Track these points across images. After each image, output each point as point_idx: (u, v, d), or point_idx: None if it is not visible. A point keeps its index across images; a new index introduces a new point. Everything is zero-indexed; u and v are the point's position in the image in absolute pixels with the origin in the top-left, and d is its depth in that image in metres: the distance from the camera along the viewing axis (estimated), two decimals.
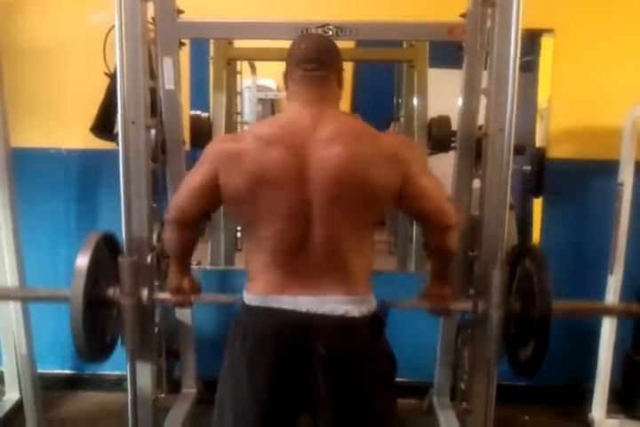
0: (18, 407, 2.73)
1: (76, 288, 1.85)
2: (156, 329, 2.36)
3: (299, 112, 1.63)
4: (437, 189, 1.69)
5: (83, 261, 1.89)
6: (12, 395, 2.81)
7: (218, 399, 1.69)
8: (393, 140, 1.64)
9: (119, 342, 2.09)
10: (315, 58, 1.64)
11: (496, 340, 1.96)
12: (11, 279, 2.59)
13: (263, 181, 1.53)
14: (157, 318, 2.35)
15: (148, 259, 2.17)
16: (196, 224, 1.78)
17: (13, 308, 2.61)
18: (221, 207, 1.79)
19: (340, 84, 1.71)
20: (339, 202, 1.55)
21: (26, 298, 2.51)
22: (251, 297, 1.63)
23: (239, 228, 3.18)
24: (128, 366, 2.17)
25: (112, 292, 2.00)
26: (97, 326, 2.00)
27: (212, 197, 1.64)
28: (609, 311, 2.55)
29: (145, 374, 2.24)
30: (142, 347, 2.12)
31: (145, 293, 2.05)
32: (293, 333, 1.56)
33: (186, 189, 1.69)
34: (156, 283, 2.27)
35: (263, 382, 1.57)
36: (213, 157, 1.63)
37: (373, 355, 1.64)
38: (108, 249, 2.03)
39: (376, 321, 1.64)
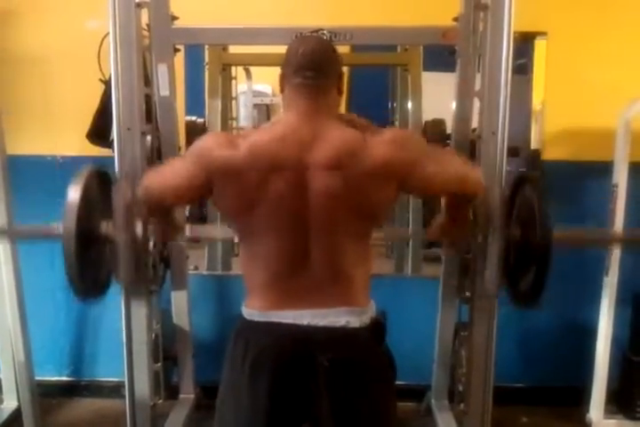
0: (16, 415, 2.72)
1: (69, 223, 1.78)
2: (155, 324, 2.35)
3: (296, 124, 1.55)
4: (448, 167, 1.63)
5: (74, 194, 1.81)
6: (10, 403, 2.80)
7: (218, 415, 1.66)
8: (388, 148, 1.53)
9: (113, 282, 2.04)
10: (313, 66, 1.56)
11: (496, 266, 1.91)
12: (7, 287, 2.59)
13: (260, 195, 1.49)
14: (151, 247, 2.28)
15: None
16: (165, 210, 1.76)
17: (11, 314, 2.61)
18: (218, 214, 1.78)
19: (339, 90, 1.64)
20: (335, 217, 1.52)
21: (16, 235, 2.43)
22: (250, 312, 1.60)
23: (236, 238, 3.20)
24: (126, 371, 2.17)
25: (105, 226, 1.92)
26: (90, 263, 1.92)
27: (193, 196, 1.61)
28: (612, 239, 2.49)
29: (143, 381, 2.24)
30: (136, 283, 2.06)
31: (138, 227, 1.96)
32: (295, 346, 1.54)
33: (169, 181, 1.61)
34: None
35: (265, 396, 1.55)
36: (208, 162, 1.52)
37: (376, 364, 1.62)
38: (100, 184, 1.95)
39: (377, 328, 1.62)
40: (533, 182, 1.92)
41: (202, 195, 1.59)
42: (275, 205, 1.50)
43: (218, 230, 2.98)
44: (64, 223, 1.79)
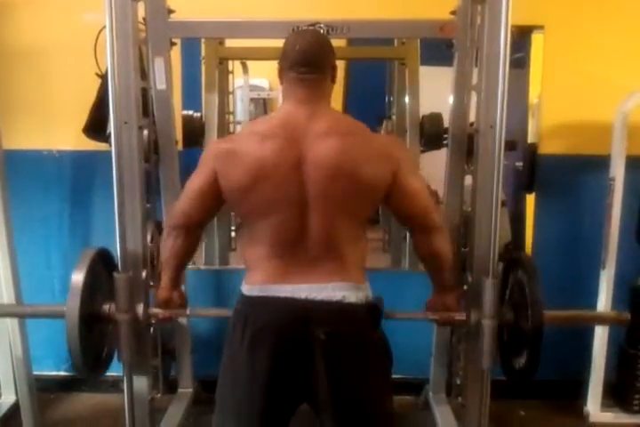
0: (14, 410, 2.72)
1: (72, 305, 1.86)
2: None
3: (293, 110, 1.67)
4: (425, 190, 1.74)
5: (78, 277, 1.89)
6: (8, 397, 2.81)
7: (219, 391, 1.70)
8: (385, 139, 1.75)
9: (115, 356, 2.09)
10: (309, 62, 1.66)
11: (489, 351, 1.97)
12: (4, 281, 2.59)
13: (260, 173, 1.58)
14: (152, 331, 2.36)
15: (143, 274, 2.17)
16: (201, 228, 1.82)
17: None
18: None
19: (333, 79, 1.75)
20: (333, 194, 1.60)
21: (22, 315, 2.51)
22: (249, 287, 1.66)
23: (233, 227, 3.20)
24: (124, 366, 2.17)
25: (107, 308, 2.01)
26: (93, 342, 2.01)
27: (214, 197, 1.68)
28: (600, 320, 2.57)
29: (141, 375, 2.24)
30: (138, 361, 2.13)
31: (140, 308, 2.05)
32: (293, 319, 1.59)
33: (188, 192, 1.72)
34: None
35: (263, 368, 1.59)
36: (211, 157, 1.67)
37: (371, 341, 1.67)
38: (102, 265, 2.04)
39: (374, 310, 1.66)
40: (525, 265, 1.99)
41: (222, 195, 1.67)
42: (274, 184, 1.59)
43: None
44: (68, 305, 1.87)
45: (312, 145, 1.60)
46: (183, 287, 2.00)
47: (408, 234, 3.04)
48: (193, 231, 1.79)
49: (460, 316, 2.02)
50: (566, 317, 2.13)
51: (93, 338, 2.01)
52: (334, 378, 1.59)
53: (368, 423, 1.67)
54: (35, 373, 2.74)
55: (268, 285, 1.63)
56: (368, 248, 1.76)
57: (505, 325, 1.99)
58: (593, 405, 2.84)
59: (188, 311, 2.04)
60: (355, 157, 1.60)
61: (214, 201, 1.70)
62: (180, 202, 1.75)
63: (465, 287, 2.21)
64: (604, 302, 2.72)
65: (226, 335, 1.69)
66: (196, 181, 1.70)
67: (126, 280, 1.98)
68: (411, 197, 1.69)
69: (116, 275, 1.98)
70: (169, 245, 1.80)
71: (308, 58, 1.66)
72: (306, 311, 1.59)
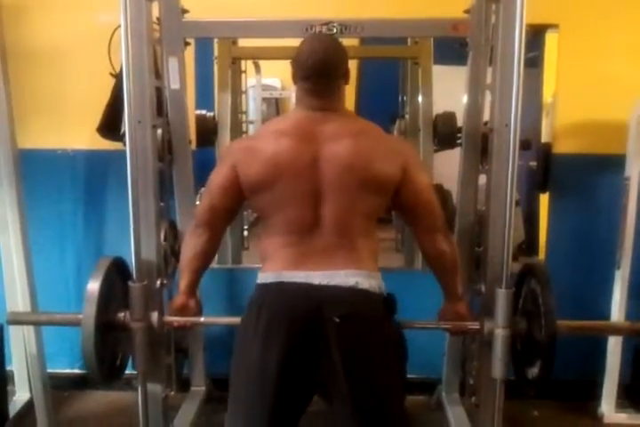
0: (28, 407, 2.74)
1: (88, 314, 1.90)
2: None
3: (306, 114, 1.74)
4: (431, 189, 1.81)
5: (94, 286, 1.93)
6: (22, 395, 2.83)
7: (232, 381, 1.72)
8: (394, 138, 1.78)
9: (130, 363, 2.12)
10: (321, 74, 1.70)
11: (502, 361, 1.96)
12: (20, 280, 2.60)
13: (277, 168, 1.66)
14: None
15: (158, 283, 2.19)
16: (225, 224, 1.88)
17: (22, 306, 2.61)
18: None
19: (346, 81, 1.79)
20: (346, 188, 1.67)
21: (38, 323, 2.54)
22: (264, 275, 1.70)
23: (246, 227, 3.20)
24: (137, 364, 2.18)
25: (122, 316, 2.03)
26: (108, 350, 2.04)
27: (235, 192, 1.74)
28: (615, 331, 2.55)
29: (154, 373, 2.25)
30: (153, 369, 2.15)
31: (155, 317, 2.06)
32: (307, 304, 1.62)
33: (211, 189, 1.79)
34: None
35: (277, 355, 1.60)
36: (230, 154, 1.77)
37: (385, 326, 1.69)
38: (117, 273, 2.07)
39: (388, 300, 1.70)
40: (539, 274, 2.00)
41: (242, 192, 1.73)
42: (293, 180, 1.66)
43: None
44: (84, 314, 1.91)
45: (325, 144, 1.68)
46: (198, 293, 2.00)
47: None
48: (217, 228, 1.85)
49: (473, 325, 2.03)
50: (579, 327, 2.12)
51: (108, 346, 2.04)
52: (350, 362, 1.60)
53: (384, 409, 1.66)
54: (49, 370, 2.76)
55: (282, 271, 1.67)
56: (379, 246, 1.81)
57: (518, 334, 1.99)
58: (607, 405, 2.82)
59: (202, 319, 2.07)
60: (366, 154, 1.69)
61: (236, 196, 1.76)
62: (204, 200, 1.82)
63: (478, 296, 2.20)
64: (618, 302, 2.71)
65: (239, 325, 1.72)
66: (217, 178, 1.77)
67: (141, 289, 1.99)
68: (419, 192, 1.76)
69: (130, 284, 1.99)
70: (191, 245, 1.84)
71: (320, 70, 1.70)
72: (319, 296, 1.62)
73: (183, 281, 1.92)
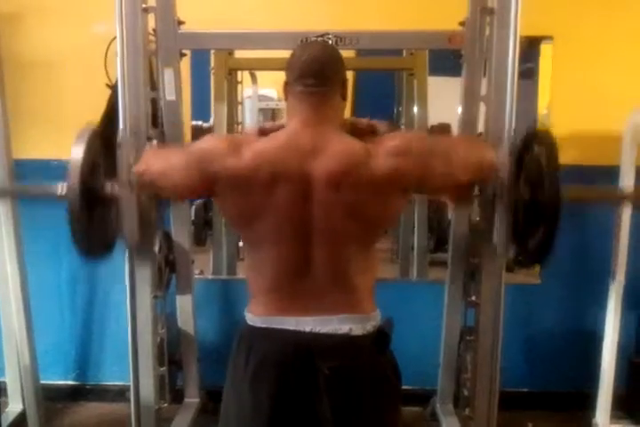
0: (21, 419, 2.72)
1: (72, 182, 1.78)
2: (160, 325, 2.37)
3: (298, 132, 1.54)
4: (458, 161, 1.61)
5: (77, 153, 1.79)
6: (15, 406, 2.80)
7: (222, 421, 1.66)
8: (392, 158, 1.50)
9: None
10: (316, 73, 1.54)
11: (505, 226, 1.89)
12: (13, 291, 2.59)
13: (264, 206, 1.49)
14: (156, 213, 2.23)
15: (147, 146, 2.09)
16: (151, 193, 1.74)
17: (16, 318, 2.61)
18: (222, 218, 1.78)
19: (344, 96, 1.62)
20: (339, 226, 1.51)
21: (19, 194, 2.44)
22: (253, 318, 1.60)
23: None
24: (131, 375, 2.17)
25: (109, 187, 1.90)
26: (96, 222, 1.90)
27: (190, 196, 1.66)
28: (620, 197, 2.41)
29: (148, 384, 2.24)
30: (142, 242, 2.06)
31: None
32: (297, 353, 1.53)
33: (169, 177, 1.61)
34: None
35: (266, 403, 1.54)
36: (209, 172, 1.52)
37: (377, 373, 1.60)
38: (102, 144, 1.93)
39: (381, 337, 1.59)
40: (544, 140, 1.84)
41: (199, 196, 1.59)
42: (278, 213, 1.50)
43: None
44: (68, 183, 1.78)
45: (317, 175, 1.48)
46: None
47: (415, 242, 3.09)
48: (145, 191, 1.72)
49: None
50: (583, 193, 2.01)
51: (96, 219, 1.90)
52: (339, 414, 1.54)
53: None
54: (42, 381, 2.74)
55: (271, 316, 1.56)
56: (377, 271, 1.67)
57: (520, 201, 1.87)
58: (602, 417, 2.80)
59: None
60: (361, 189, 1.49)
61: (192, 196, 1.66)
62: (160, 170, 1.64)
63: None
64: (612, 313, 2.70)
65: (230, 357, 1.64)
66: (184, 174, 1.56)
67: (130, 153, 1.89)
68: (446, 183, 1.62)
69: (118, 147, 1.90)
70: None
71: (315, 68, 1.54)
72: (310, 345, 1.53)
73: None
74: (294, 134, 1.54)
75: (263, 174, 1.48)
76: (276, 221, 1.50)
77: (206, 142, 1.60)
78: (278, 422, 1.56)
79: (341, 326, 1.54)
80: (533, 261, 1.96)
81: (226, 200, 1.55)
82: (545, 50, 2.87)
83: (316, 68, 1.54)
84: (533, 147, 1.84)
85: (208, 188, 1.53)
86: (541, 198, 1.77)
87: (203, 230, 2.92)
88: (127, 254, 2.08)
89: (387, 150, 1.50)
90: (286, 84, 1.60)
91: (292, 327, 1.54)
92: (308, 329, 1.53)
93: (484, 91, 2.20)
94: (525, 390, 3.01)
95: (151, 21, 2.20)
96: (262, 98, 3.41)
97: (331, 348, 1.53)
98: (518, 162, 1.87)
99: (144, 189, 1.70)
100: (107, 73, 2.45)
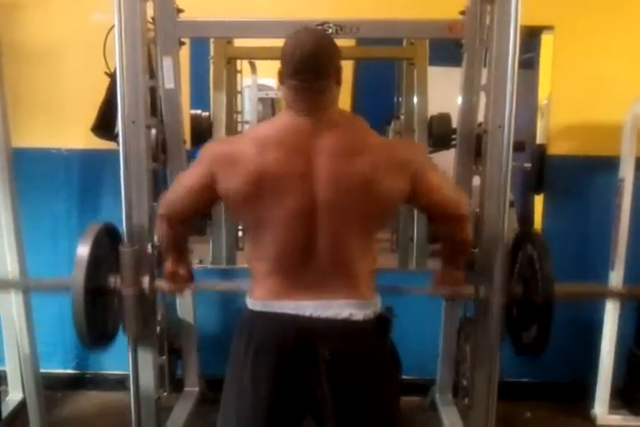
0: (21, 407, 2.73)
1: (77, 277, 1.86)
2: (159, 317, 2.39)
3: (296, 121, 1.55)
4: (446, 181, 1.69)
5: (83, 250, 1.90)
6: (15, 395, 2.82)
7: (222, 405, 1.67)
8: (396, 144, 1.62)
9: (121, 331, 2.10)
10: (311, 68, 1.52)
11: (497, 325, 1.94)
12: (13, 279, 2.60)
13: (264, 185, 1.50)
14: (159, 308, 2.37)
15: (149, 248, 2.16)
16: (186, 223, 1.75)
17: (16, 307, 2.62)
18: (222, 206, 1.77)
19: (338, 82, 1.60)
20: (341, 207, 1.52)
21: (27, 287, 2.51)
22: (254, 302, 1.60)
23: (240, 227, 3.19)
24: (130, 364, 2.17)
25: (113, 281, 2.01)
26: (98, 315, 2.00)
27: (206, 199, 1.63)
28: (612, 294, 2.52)
29: (147, 373, 2.25)
30: (144, 336, 2.13)
31: (146, 281, 2.03)
32: (297, 337, 1.54)
33: (181, 188, 1.66)
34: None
35: (267, 387, 1.55)
36: (210, 160, 1.58)
37: (377, 358, 1.61)
38: (108, 239, 2.03)
39: (381, 323, 1.61)
40: (535, 240, 1.98)
41: (214, 198, 1.62)
42: (281, 198, 1.51)
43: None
44: (73, 278, 1.87)
45: (318, 157, 1.51)
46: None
47: (415, 232, 3.08)
48: (177, 223, 1.72)
49: (469, 289, 2.00)
50: (576, 290, 2.08)
51: (99, 311, 2.00)
52: (340, 398, 1.55)
53: None
54: (42, 370, 2.75)
55: (271, 300, 1.57)
56: (377, 259, 1.67)
57: (514, 299, 1.95)
58: (600, 407, 2.82)
59: (192, 286, 2.05)
60: (367, 172, 1.51)
61: (205, 203, 1.66)
62: (172, 194, 1.70)
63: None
64: (612, 304, 2.70)
65: (231, 347, 1.65)
66: (190, 179, 1.62)
67: (132, 253, 1.97)
68: (433, 191, 1.62)
69: (121, 248, 1.98)
70: (162, 232, 1.76)
71: (309, 65, 1.52)
72: (310, 330, 1.53)
73: (169, 256, 1.87)
74: (292, 122, 1.56)
75: (262, 158, 1.50)
76: (278, 206, 1.51)
77: (210, 145, 1.71)
78: (278, 406, 1.58)
79: (342, 310, 1.55)
80: (528, 354, 2.05)
81: (226, 187, 1.56)
82: (546, 40, 2.86)
83: (310, 65, 1.53)
84: (526, 248, 1.99)
85: (215, 181, 1.57)
86: (535, 299, 1.90)
87: (202, 220, 2.91)
88: (130, 347, 2.14)
89: (389, 140, 1.56)
90: (281, 75, 1.59)
91: (291, 311, 1.55)
92: (307, 313, 1.54)
93: (484, 81, 2.19)
94: (524, 380, 3.02)
95: (150, 9, 2.19)
96: (261, 87, 3.39)
97: (330, 333, 1.54)
98: (512, 260, 1.99)
99: (171, 220, 1.73)
100: (106, 61, 2.44)
